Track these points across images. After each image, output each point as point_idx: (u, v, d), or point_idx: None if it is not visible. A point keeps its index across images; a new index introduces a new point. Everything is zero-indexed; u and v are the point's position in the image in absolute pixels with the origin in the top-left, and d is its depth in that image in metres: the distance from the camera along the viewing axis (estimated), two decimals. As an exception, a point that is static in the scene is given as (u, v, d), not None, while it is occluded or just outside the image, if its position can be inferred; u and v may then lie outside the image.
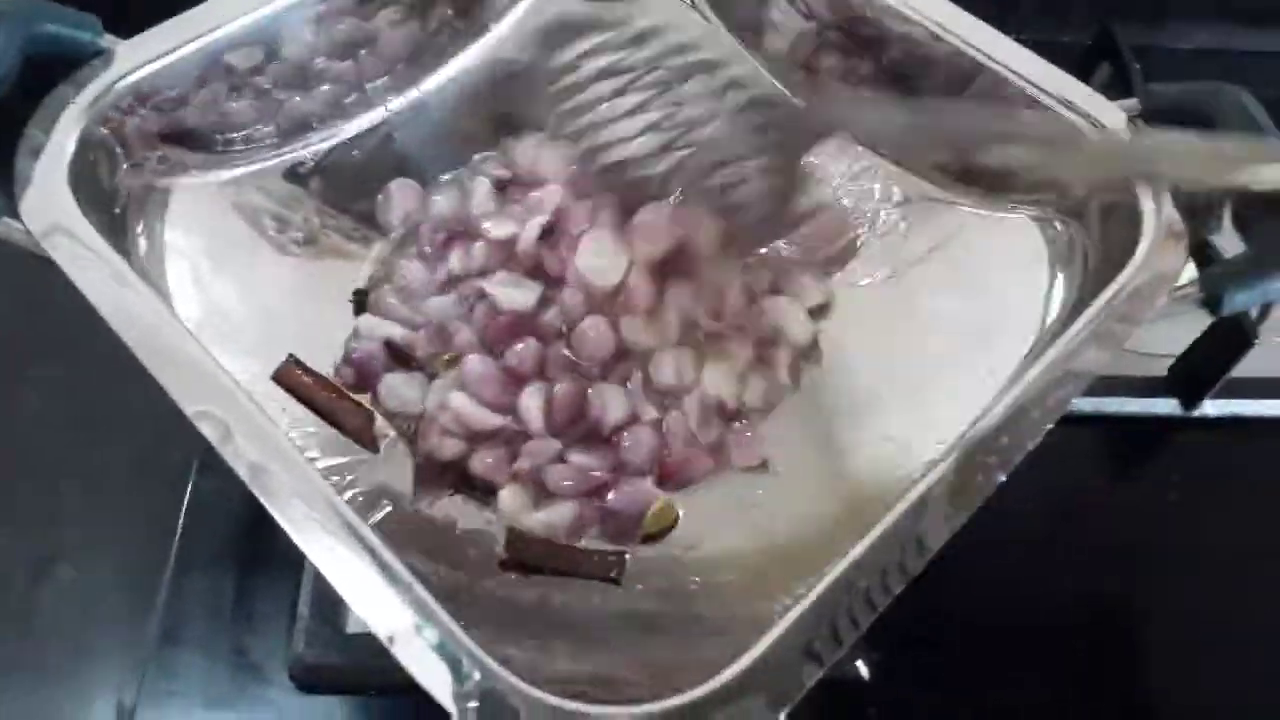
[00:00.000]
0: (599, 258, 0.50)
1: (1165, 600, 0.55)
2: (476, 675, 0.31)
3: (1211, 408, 0.60)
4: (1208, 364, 0.59)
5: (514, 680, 0.31)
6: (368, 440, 0.45)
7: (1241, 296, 0.41)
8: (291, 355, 0.46)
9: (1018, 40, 0.80)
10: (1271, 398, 0.61)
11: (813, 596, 0.33)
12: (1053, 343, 0.40)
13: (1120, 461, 0.61)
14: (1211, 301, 0.41)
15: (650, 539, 0.45)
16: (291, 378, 0.46)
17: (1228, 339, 0.57)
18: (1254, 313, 0.63)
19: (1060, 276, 0.45)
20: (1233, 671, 0.52)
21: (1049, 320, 0.44)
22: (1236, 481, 0.60)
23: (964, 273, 0.49)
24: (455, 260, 0.51)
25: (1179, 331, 0.59)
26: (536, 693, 0.31)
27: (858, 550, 0.34)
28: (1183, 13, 0.81)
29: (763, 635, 0.32)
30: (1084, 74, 0.74)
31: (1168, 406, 0.60)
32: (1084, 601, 0.55)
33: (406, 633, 0.32)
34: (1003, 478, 0.36)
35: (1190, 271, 0.42)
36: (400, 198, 0.54)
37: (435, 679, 0.31)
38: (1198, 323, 0.58)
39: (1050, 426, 0.37)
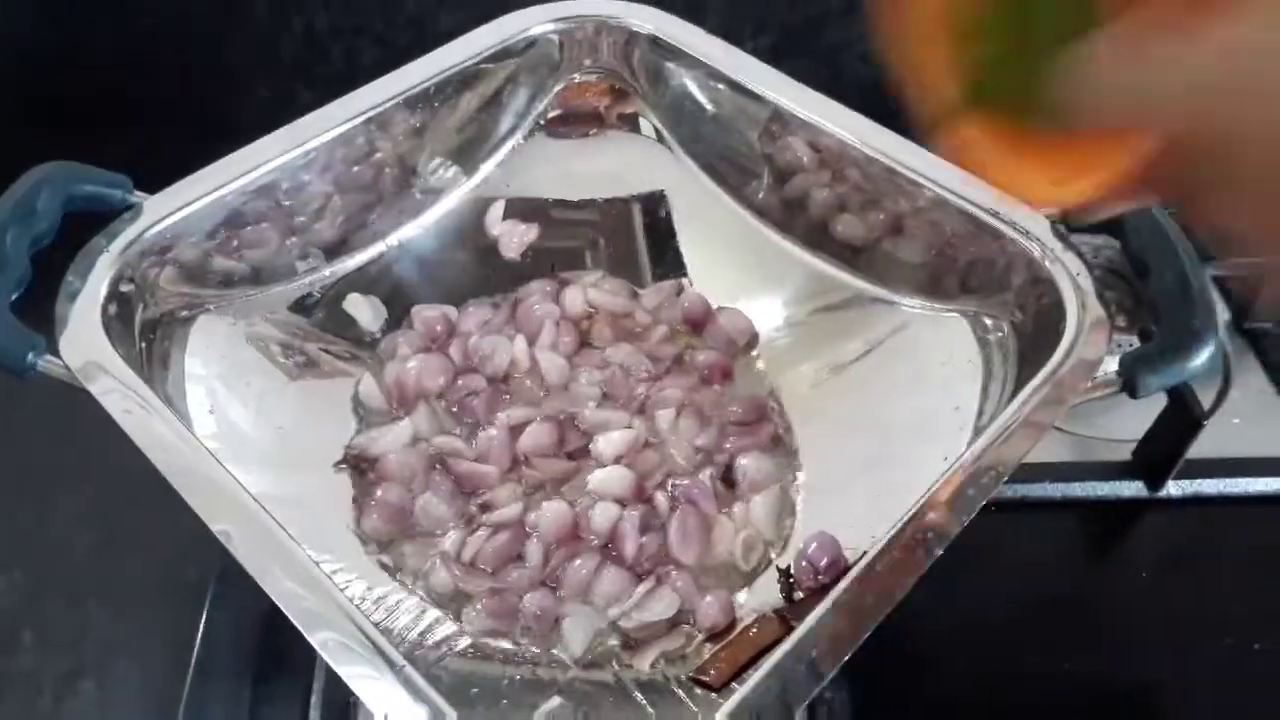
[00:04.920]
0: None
1: (1140, 675, 0.56)
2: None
3: (1175, 488, 0.63)
4: (1165, 447, 0.61)
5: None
6: None
7: (1154, 380, 0.44)
8: None
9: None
10: (1230, 476, 0.63)
11: (769, 664, 0.36)
12: (987, 428, 0.44)
13: (1092, 542, 0.63)
14: (1128, 386, 0.45)
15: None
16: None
17: (1179, 423, 0.60)
18: (1208, 400, 0.67)
19: (994, 367, 0.49)
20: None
21: (985, 407, 0.48)
22: (1202, 557, 0.62)
23: (906, 367, 0.53)
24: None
25: (1140, 417, 0.63)
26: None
27: (810, 620, 0.37)
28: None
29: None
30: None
31: (1133, 489, 0.63)
32: (1061, 679, 0.56)
33: (401, 709, 0.35)
34: (940, 551, 0.39)
35: (1114, 360, 0.46)
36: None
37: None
38: (1156, 408, 0.62)
39: (984, 503, 0.40)
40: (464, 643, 0.47)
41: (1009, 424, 0.43)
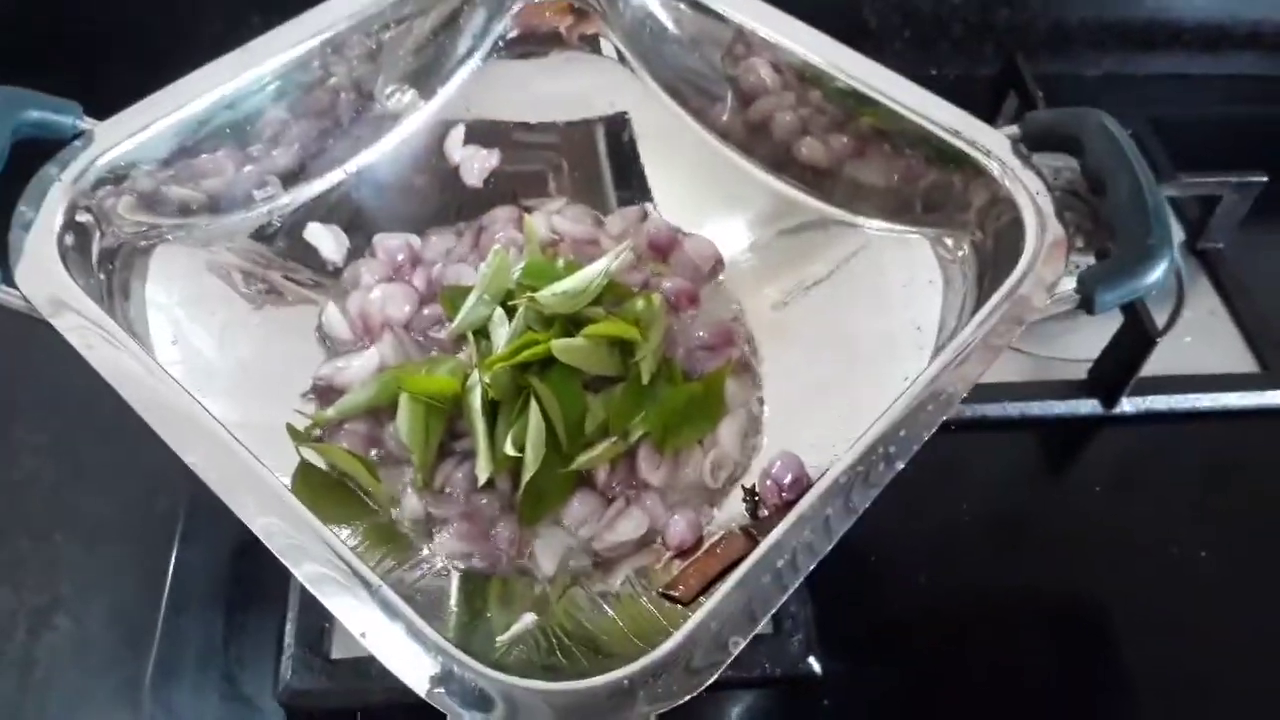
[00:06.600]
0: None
1: (1093, 585, 0.58)
2: (440, 661, 0.35)
3: (1129, 405, 0.64)
4: (1120, 365, 0.63)
5: (475, 664, 0.35)
6: None
7: (1110, 296, 0.45)
8: None
9: (937, 74, 0.87)
10: (1182, 392, 0.65)
11: (736, 576, 0.37)
12: (946, 346, 0.44)
13: (1049, 460, 0.65)
14: (1085, 302, 0.45)
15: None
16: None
17: (1134, 341, 0.61)
18: (1162, 319, 0.68)
19: (954, 287, 0.50)
20: (1163, 649, 0.56)
21: (946, 326, 0.48)
22: (1155, 470, 0.64)
23: (867, 288, 0.54)
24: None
25: (1095, 337, 0.64)
26: (494, 673, 0.34)
27: (775, 534, 0.38)
28: (1087, 43, 0.87)
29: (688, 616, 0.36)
30: (996, 103, 0.80)
31: (1089, 407, 0.64)
32: (1016, 591, 0.58)
33: (378, 627, 0.36)
34: (901, 465, 0.40)
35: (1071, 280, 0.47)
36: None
37: (405, 668, 0.35)
38: (1111, 328, 0.63)
39: (943, 419, 0.41)
40: (438, 564, 0.47)
41: (968, 343, 0.44)
